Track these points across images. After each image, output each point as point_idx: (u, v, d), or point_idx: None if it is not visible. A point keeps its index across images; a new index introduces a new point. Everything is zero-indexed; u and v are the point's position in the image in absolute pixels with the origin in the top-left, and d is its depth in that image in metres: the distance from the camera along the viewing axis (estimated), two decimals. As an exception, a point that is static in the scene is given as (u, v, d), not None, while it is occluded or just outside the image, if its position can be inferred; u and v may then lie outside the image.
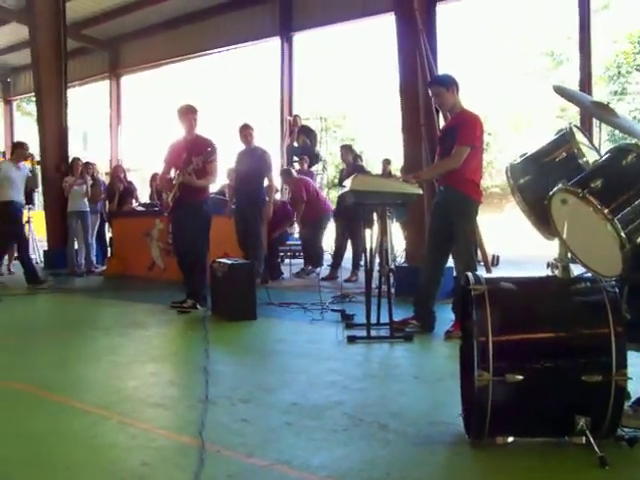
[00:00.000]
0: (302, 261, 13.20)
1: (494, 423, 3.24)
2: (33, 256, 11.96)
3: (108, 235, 14.78)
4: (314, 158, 16.71)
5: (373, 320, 6.58)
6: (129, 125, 26.31)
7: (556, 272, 3.52)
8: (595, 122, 10.73)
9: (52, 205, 14.70)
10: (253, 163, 10.15)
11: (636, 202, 3.13)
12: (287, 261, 13.94)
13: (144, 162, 27.72)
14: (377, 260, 6.83)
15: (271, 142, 18.43)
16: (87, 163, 14.14)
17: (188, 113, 8.24)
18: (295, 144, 17.17)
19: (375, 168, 18.58)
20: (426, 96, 8.99)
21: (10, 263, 13.31)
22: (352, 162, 12.42)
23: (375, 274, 6.91)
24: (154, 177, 14.19)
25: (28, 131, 25.40)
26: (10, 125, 29.46)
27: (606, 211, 3.07)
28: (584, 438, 3.19)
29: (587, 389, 3.15)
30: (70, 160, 14.39)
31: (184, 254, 8.23)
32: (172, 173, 8.36)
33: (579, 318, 3.32)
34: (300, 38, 19.77)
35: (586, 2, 12.79)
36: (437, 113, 9.44)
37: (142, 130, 35.91)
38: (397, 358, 5.97)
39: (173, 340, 6.97)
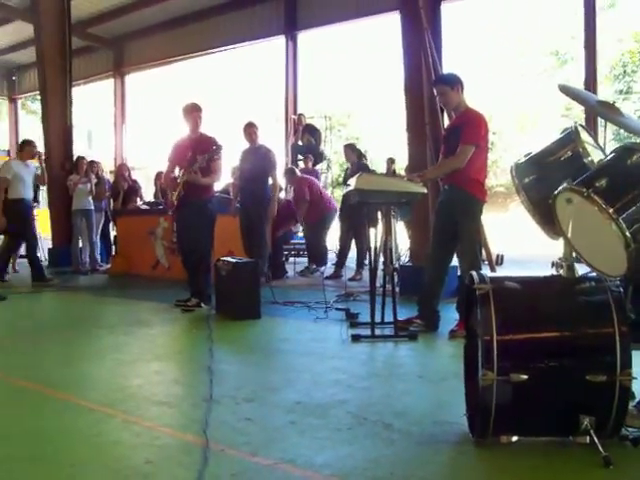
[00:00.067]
0: (306, 260, 13.20)
1: (498, 422, 3.24)
2: (38, 254, 11.95)
3: (112, 233, 14.79)
4: (318, 157, 16.70)
5: (377, 319, 6.59)
6: (134, 123, 26.31)
7: (561, 271, 3.52)
8: (600, 121, 10.68)
9: (57, 203, 14.71)
10: (257, 161, 10.14)
11: (641, 201, 3.13)
12: (291, 260, 13.94)
13: (148, 160, 27.72)
14: (381, 259, 6.83)
15: (276, 141, 18.43)
16: (92, 161, 14.14)
17: (193, 112, 8.24)
18: (300, 143, 17.16)
19: (379, 167, 18.59)
20: (431, 95, 8.98)
21: (15, 262, 13.31)
22: (356, 161, 12.40)
23: (379, 273, 6.90)
24: (158, 175, 14.17)
25: (33, 129, 25.45)
26: (15, 123, 29.49)
27: (611, 210, 3.07)
28: (588, 438, 3.19)
29: (591, 389, 3.15)
30: (75, 158, 14.41)
31: (188, 253, 8.23)
32: (176, 172, 8.36)
33: (584, 318, 3.32)
34: (305, 37, 19.72)
35: (591, 1, 12.76)
36: (442, 112, 9.44)
37: (147, 128, 35.92)
38: (401, 357, 5.96)
39: (177, 339, 6.97)
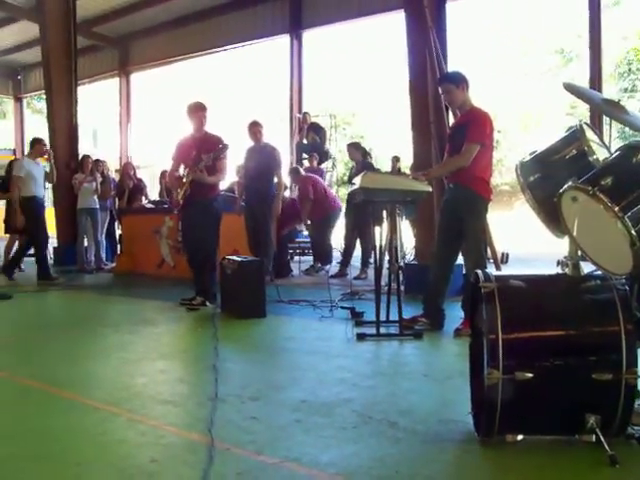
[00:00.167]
0: (311, 258, 13.20)
1: (504, 421, 3.24)
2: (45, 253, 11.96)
3: (118, 232, 14.80)
4: (323, 155, 16.70)
5: (382, 318, 6.58)
6: (139, 122, 26.37)
7: (566, 270, 3.51)
8: (605, 119, 10.67)
9: (62, 202, 14.74)
10: (263, 160, 10.14)
11: (646, 200, 3.12)
12: (296, 258, 13.94)
13: (154, 159, 27.75)
14: (386, 257, 6.83)
15: (281, 139, 18.42)
16: (97, 160, 14.16)
17: (198, 111, 8.23)
18: (304, 141, 17.17)
19: (384, 165, 18.54)
20: (436, 93, 8.97)
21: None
22: (361, 159, 12.39)
23: (384, 271, 6.90)
24: (163, 174, 14.19)
25: (38, 128, 25.46)
26: (20, 122, 29.56)
27: (616, 209, 3.06)
28: (594, 436, 3.19)
29: (597, 387, 3.15)
30: (80, 157, 14.41)
31: (194, 251, 8.24)
32: (181, 170, 8.37)
33: (589, 316, 3.31)
34: (309, 35, 19.72)
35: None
36: (447, 110, 9.42)
37: (152, 127, 35.96)
38: (406, 356, 5.96)
39: (182, 337, 6.98)
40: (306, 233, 13.49)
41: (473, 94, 6.62)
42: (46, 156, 11.58)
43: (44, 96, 16.89)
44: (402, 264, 7.85)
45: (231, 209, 10.34)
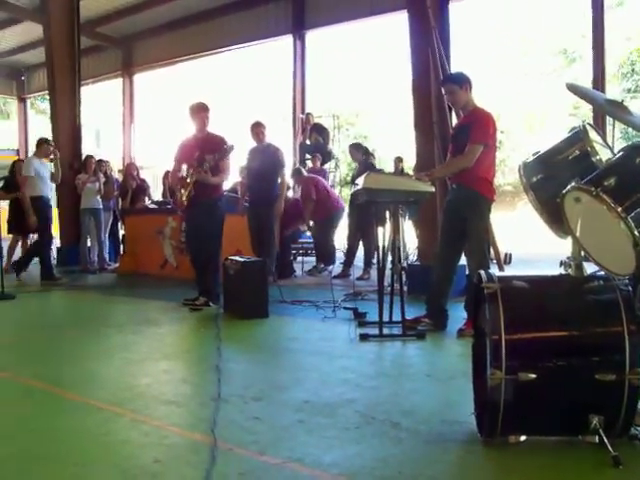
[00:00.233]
0: (314, 259, 13.20)
1: (506, 422, 3.24)
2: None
3: (121, 232, 14.81)
4: (326, 156, 16.68)
5: (385, 318, 6.59)
6: (142, 123, 26.32)
7: (569, 270, 3.51)
8: (608, 120, 10.69)
9: (65, 202, 14.74)
10: (266, 160, 10.12)
11: (650, 200, 3.12)
12: (299, 259, 13.94)
13: (157, 160, 27.74)
14: (389, 258, 6.83)
15: (283, 140, 18.42)
16: (100, 160, 14.16)
17: (200, 111, 8.24)
18: (307, 142, 17.14)
19: (387, 166, 18.56)
20: (438, 94, 8.98)
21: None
22: (363, 160, 12.40)
23: (387, 272, 6.90)
24: (166, 175, 14.17)
25: (42, 129, 25.49)
26: (24, 123, 29.56)
27: (619, 209, 3.07)
28: (597, 437, 3.19)
29: (600, 388, 3.15)
30: (83, 157, 14.43)
31: (198, 252, 8.24)
32: (183, 170, 8.37)
33: (592, 316, 3.32)
34: (313, 36, 19.70)
35: (599, 0, 12.73)
36: (449, 111, 9.43)
37: (155, 128, 35.96)
38: (409, 356, 5.96)
39: (186, 338, 6.98)
40: (309, 234, 13.48)
41: (476, 94, 6.62)
42: (51, 156, 11.57)
43: (48, 96, 16.90)
44: (405, 264, 7.85)
45: (234, 210, 10.34)
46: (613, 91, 28.52)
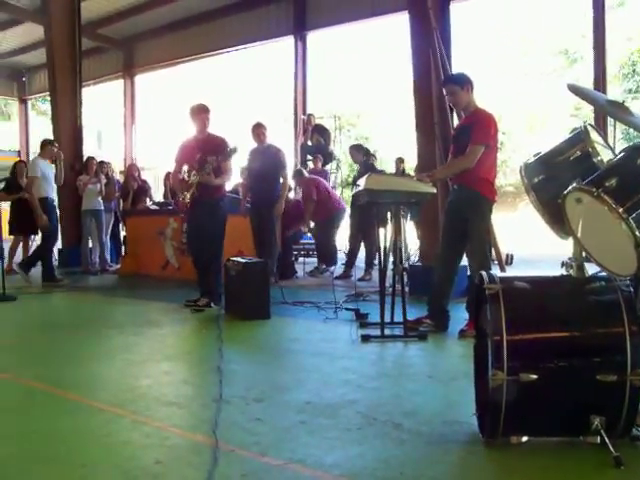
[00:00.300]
0: (316, 260, 13.19)
1: (508, 422, 3.24)
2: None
3: (122, 234, 14.80)
4: (328, 157, 16.69)
5: (387, 319, 6.58)
6: (143, 124, 26.32)
7: (570, 271, 3.51)
8: (609, 121, 10.68)
9: (66, 204, 14.71)
10: (267, 161, 10.11)
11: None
12: (301, 260, 13.93)
13: (158, 161, 27.75)
14: (391, 259, 6.83)
15: (285, 141, 18.43)
16: (101, 162, 14.14)
17: (201, 113, 8.23)
18: (309, 143, 17.16)
19: (389, 167, 18.56)
20: (440, 95, 8.98)
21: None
22: (363, 161, 12.41)
23: (389, 273, 6.90)
24: (168, 176, 14.17)
25: (43, 130, 25.49)
26: (25, 124, 29.58)
27: (621, 210, 3.07)
28: (599, 438, 3.19)
29: (602, 389, 3.15)
30: (85, 159, 14.41)
31: (200, 252, 8.24)
32: (184, 171, 8.38)
33: (594, 317, 3.32)
34: (314, 37, 19.71)
35: (600, 0, 12.72)
36: (451, 111, 9.43)
37: (156, 129, 35.97)
38: (411, 357, 5.96)
39: (187, 339, 6.98)
40: (309, 235, 13.48)
41: (478, 95, 6.61)
42: (53, 158, 11.57)
43: (49, 98, 16.87)
44: (406, 265, 7.85)
45: (236, 210, 10.33)
46: (614, 92, 28.49)
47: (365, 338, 6.25)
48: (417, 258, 10.55)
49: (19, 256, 12.91)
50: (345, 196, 16.90)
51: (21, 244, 13.18)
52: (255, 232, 10.21)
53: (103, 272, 13.24)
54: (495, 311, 3.27)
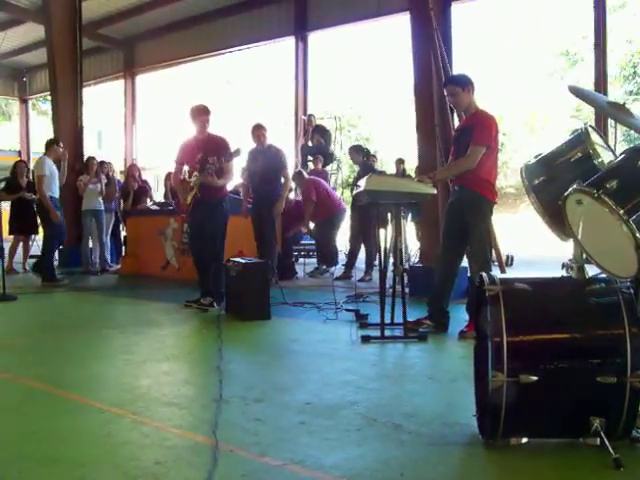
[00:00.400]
0: (316, 260, 13.19)
1: (508, 424, 3.24)
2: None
3: (122, 234, 14.80)
4: (328, 157, 16.70)
5: (387, 320, 6.58)
6: (144, 124, 26.33)
7: (571, 273, 3.51)
8: (610, 122, 10.69)
9: (67, 204, 14.68)
10: (268, 161, 10.11)
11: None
12: (301, 260, 13.93)
13: (159, 161, 27.78)
14: (391, 260, 6.82)
15: (285, 142, 18.41)
16: (102, 162, 14.13)
17: (201, 114, 8.21)
18: (309, 144, 17.16)
19: (389, 167, 18.56)
20: (441, 96, 8.99)
21: (25, 261, 13.35)
22: (363, 162, 12.41)
23: (389, 274, 6.89)
24: (168, 176, 14.17)
25: (44, 130, 25.50)
26: (26, 124, 29.57)
27: (621, 212, 3.06)
28: (599, 439, 3.19)
29: (602, 390, 3.15)
30: (85, 159, 14.41)
31: (200, 252, 8.24)
32: (185, 171, 8.38)
33: (594, 319, 3.31)
34: (315, 37, 19.73)
35: (601, 2, 12.72)
36: (452, 113, 9.43)
37: (157, 129, 35.98)
38: (411, 358, 5.96)
39: (187, 339, 6.98)
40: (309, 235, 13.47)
41: (478, 96, 6.61)
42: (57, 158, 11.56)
43: (49, 98, 16.86)
44: (407, 266, 7.85)
45: (237, 211, 10.33)
46: (615, 93, 28.51)
47: (365, 339, 6.25)
48: (417, 259, 10.56)
49: (19, 256, 12.94)
50: (345, 197, 16.91)
51: (21, 244, 13.19)
52: (257, 233, 10.21)
53: (103, 272, 13.23)
54: (495, 312, 3.27)
